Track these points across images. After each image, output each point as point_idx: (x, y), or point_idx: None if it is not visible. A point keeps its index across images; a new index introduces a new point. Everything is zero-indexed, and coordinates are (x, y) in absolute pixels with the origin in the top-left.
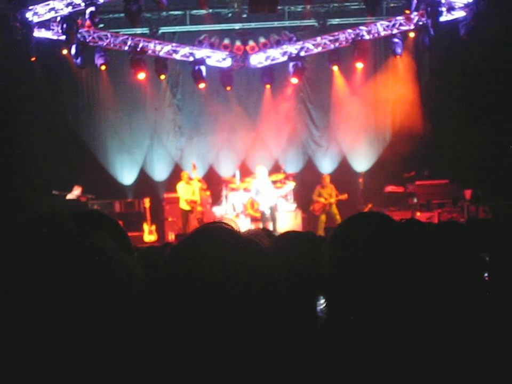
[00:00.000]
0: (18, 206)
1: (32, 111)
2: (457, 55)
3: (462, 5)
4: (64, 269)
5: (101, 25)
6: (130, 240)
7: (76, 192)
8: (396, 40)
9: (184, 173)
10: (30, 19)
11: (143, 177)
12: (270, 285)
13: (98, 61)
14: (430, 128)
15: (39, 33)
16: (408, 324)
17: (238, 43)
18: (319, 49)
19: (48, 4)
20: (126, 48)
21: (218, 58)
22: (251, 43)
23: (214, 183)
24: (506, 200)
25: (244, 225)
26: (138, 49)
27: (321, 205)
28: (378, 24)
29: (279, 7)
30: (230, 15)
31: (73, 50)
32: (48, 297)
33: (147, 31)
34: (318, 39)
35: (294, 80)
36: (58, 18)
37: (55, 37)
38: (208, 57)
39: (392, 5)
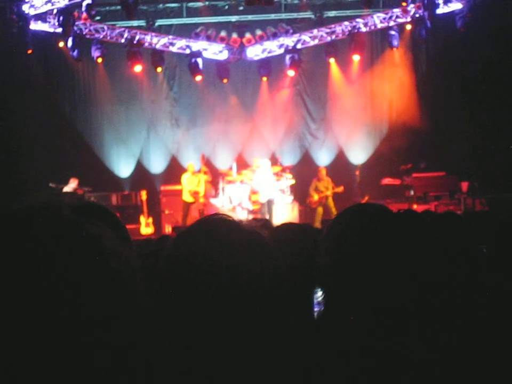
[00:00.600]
0: (14, 199)
1: (28, 103)
2: (453, 47)
3: None
4: (60, 257)
5: (98, 18)
6: (128, 231)
7: (72, 185)
8: (393, 32)
9: (190, 164)
10: (26, 12)
11: (140, 170)
12: (270, 275)
13: (95, 53)
14: (427, 121)
15: (35, 25)
16: (405, 316)
17: (234, 35)
18: (316, 41)
19: None
20: (123, 40)
21: (215, 51)
22: (248, 35)
23: (210, 176)
24: (503, 192)
25: (240, 217)
26: (135, 42)
27: (317, 198)
28: (375, 16)
29: (275, 0)
30: (226, 7)
31: (69, 43)
32: (43, 287)
33: (144, 24)
34: (315, 31)
35: (291, 73)
36: (55, 11)
37: (51, 30)
38: (205, 49)
39: None
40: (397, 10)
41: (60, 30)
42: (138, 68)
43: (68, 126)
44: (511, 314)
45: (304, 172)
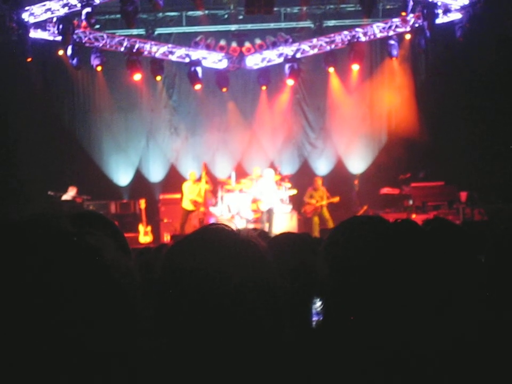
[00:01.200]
0: (13, 207)
1: (27, 111)
2: (453, 57)
3: (458, 7)
4: (61, 269)
5: (97, 26)
6: (126, 240)
7: (71, 193)
8: (392, 42)
9: (192, 172)
10: (26, 20)
11: (139, 178)
12: (266, 285)
13: (94, 61)
14: (426, 130)
15: (35, 33)
16: (405, 326)
17: (234, 44)
18: (315, 51)
19: (44, 5)
20: (122, 49)
21: (214, 60)
22: (247, 44)
23: (211, 185)
24: (502, 202)
25: (239, 226)
26: (134, 50)
27: (312, 207)
28: (374, 26)
29: (275, 9)
30: (226, 16)
31: (69, 51)
32: (45, 298)
33: (143, 32)
34: (314, 40)
35: (290, 82)
36: (55, 19)
37: (51, 38)
38: (204, 58)
39: (388, 7)
40: (396, 20)
41: (59, 38)
42: (137, 77)
43: (67, 134)
44: (510, 324)
45: (303, 181)
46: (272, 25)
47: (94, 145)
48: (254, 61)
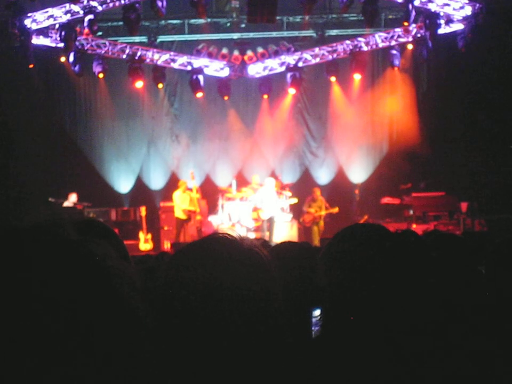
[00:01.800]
0: (15, 213)
1: (29, 118)
2: (455, 67)
3: (460, 18)
4: (65, 276)
5: (99, 33)
6: (127, 249)
7: (72, 200)
8: (394, 52)
9: (181, 181)
10: (28, 26)
11: (140, 186)
12: (268, 294)
13: (96, 69)
14: (427, 141)
15: (37, 40)
16: (404, 336)
17: (236, 53)
18: (317, 60)
19: (46, 11)
20: (124, 56)
21: (216, 68)
22: (249, 53)
23: (210, 192)
24: (502, 213)
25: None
26: (136, 58)
27: (311, 217)
28: (376, 35)
29: (277, 18)
30: (228, 24)
31: (71, 58)
32: (48, 306)
33: (145, 40)
34: (316, 50)
35: (292, 91)
36: (57, 26)
37: (53, 45)
38: (206, 66)
39: (390, 16)
40: (398, 30)
41: (61, 45)
42: (139, 84)
43: (68, 141)
44: (510, 334)
45: (303, 190)
46: (274, 34)
47: (95, 152)
48: (255, 70)
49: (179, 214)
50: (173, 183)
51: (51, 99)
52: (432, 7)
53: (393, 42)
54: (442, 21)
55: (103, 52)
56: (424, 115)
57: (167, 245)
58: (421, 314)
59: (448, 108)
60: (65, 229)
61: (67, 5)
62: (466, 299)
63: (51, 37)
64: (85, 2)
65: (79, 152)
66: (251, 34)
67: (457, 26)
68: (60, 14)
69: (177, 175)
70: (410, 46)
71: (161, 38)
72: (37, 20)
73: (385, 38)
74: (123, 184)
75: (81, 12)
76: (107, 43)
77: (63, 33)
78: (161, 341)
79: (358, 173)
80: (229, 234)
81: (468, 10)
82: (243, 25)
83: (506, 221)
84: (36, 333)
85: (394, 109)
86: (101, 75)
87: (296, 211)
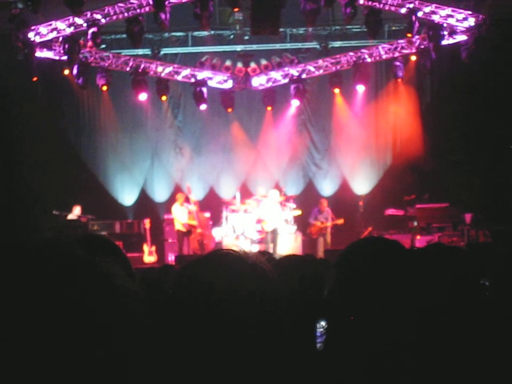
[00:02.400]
0: (19, 226)
1: (33, 130)
2: (458, 78)
3: (464, 29)
4: (73, 296)
5: (103, 46)
6: (131, 265)
7: (76, 212)
8: (398, 63)
9: (179, 195)
10: (32, 39)
11: (144, 198)
12: (272, 309)
13: (100, 81)
14: (431, 152)
15: (41, 53)
16: (409, 349)
17: (239, 65)
18: (321, 71)
19: (50, 24)
20: (128, 69)
21: (219, 80)
22: (253, 65)
23: (214, 205)
24: (506, 224)
25: (244, 247)
26: (140, 70)
27: (317, 228)
28: (380, 47)
29: (281, 29)
30: (232, 36)
31: (75, 71)
32: (57, 322)
33: (149, 52)
34: (320, 61)
35: (295, 103)
36: (60, 39)
37: (57, 57)
38: (210, 78)
39: (394, 28)
40: (402, 42)
41: (65, 57)
42: (143, 96)
43: (72, 153)
44: None
45: (307, 201)
46: (277, 46)
47: (99, 165)
48: (259, 82)
49: (179, 227)
50: (176, 195)
51: (55, 111)
52: (435, 18)
53: (396, 54)
54: (445, 32)
55: (106, 64)
56: (427, 126)
57: (171, 257)
58: (427, 330)
59: (451, 119)
60: (74, 247)
61: (70, 17)
62: (470, 313)
63: (55, 49)
64: (88, 15)
65: (83, 165)
66: (254, 46)
67: (461, 38)
68: (63, 27)
69: (181, 187)
70: (413, 58)
71: (165, 51)
72: (40, 32)
73: (389, 49)
74: (127, 196)
75: (85, 25)
76: (110, 56)
77: (66, 46)
78: (166, 354)
79: (362, 185)
80: (233, 250)
81: (471, 22)
82: (246, 37)
83: (510, 232)
84: (46, 348)
85: (398, 120)
86: (104, 87)
87: (300, 223)
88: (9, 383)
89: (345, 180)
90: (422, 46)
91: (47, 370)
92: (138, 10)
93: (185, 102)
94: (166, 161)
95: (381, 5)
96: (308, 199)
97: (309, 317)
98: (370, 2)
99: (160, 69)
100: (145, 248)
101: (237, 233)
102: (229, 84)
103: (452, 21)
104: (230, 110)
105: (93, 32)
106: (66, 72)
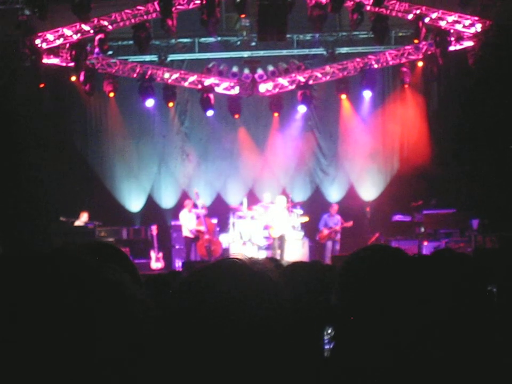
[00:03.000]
0: (26, 233)
1: (40, 137)
2: (465, 84)
3: (471, 35)
4: (80, 301)
5: (110, 52)
6: (138, 272)
7: (83, 219)
8: (404, 69)
9: (187, 201)
10: (39, 45)
11: (151, 204)
12: (278, 317)
13: (107, 88)
14: (438, 158)
15: (48, 60)
16: (416, 356)
17: (246, 71)
18: (328, 77)
19: (57, 31)
20: (135, 75)
21: (226, 86)
22: (259, 71)
23: (221, 211)
24: None
25: (250, 253)
26: (147, 77)
27: (326, 233)
28: (386, 53)
29: (287, 36)
30: (238, 43)
31: (81, 77)
32: (65, 329)
33: (156, 59)
34: (327, 67)
35: (302, 109)
36: (67, 45)
37: (64, 64)
38: (217, 85)
39: (400, 34)
40: (408, 48)
41: (72, 64)
42: (150, 103)
43: (79, 160)
44: None
45: (314, 208)
46: (284, 52)
47: (106, 171)
48: (266, 88)
49: (187, 233)
50: (183, 201)
51: (62, 118)
52: (442, 24)
53: (403, 60)
54: (452, 38)
55: (113, 70)
56: (434, 132)
57: (178, 264)
58: (433, 336)
59: (458, 124)
60: (83, 255)
61: (77, 24)
62: (477, 320)
63: (62, 56)
64: (95, 22)
65: (90, 171)
66: (261, 53)
67: (468, 44)
68: (70, 34)
69: (188, 193)
70: (420, 64)
71: (172, 57)
72: (47, 39)
73: (396, 55)
74: (134, 203)
75: (92, 31)
76: (117, 62)
77: (73, 52)
78: (171, 361)
79: (369, 191)
80: (238, 259)
81: (478, 28)
82: (253, 44)
83: None
84: (51, 355)
85: (405, 126)
86: (111, 94)
87: (308, 229)
88: None
89: (353, 185)
90: (429, 52)
91: (52, 376)
92: (145, 17)
93: (192, 108)
94: (173, 167)
95: (388, 11)
96: (315, 205)
97: (316, 323)
98: (377, 8)
99: (167, 75)
100: (152, 254)
101: (243, 240)
102: (235, 90)
103: (458, 26)
104: (237, 116)
105: (100, 39)
106: (73, 78)
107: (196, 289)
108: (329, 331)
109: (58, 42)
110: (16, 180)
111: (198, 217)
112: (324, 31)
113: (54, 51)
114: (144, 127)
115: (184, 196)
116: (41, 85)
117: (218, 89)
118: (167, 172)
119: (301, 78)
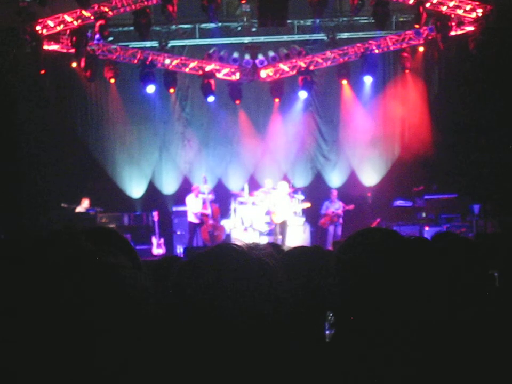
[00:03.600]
0: (28, 219)
1: (40, 123)
2: (466, 69)
3: (471, 20)
4: (80, 286)
5: (111, 39)
6: (139, 257)
7: (84, 205)
8: (405, 54)
9: (194, 185)
10: (39, 32)
11: (152, 190)
12: (275, 303)
13: (108, 74)
14: (439, 143)
15: (48, 46)
16: (416, 340)
17: (247, 57)
18: (328, 63)
19: (57, 17)
20: (136, 61)
21: (227, 72)
22: (260, 57)
23: (222, 196)
24: None
25: (252, 239)
26: (147, 63)
27: (328, 217)
28: (387, 38)
29: (288, 21)
30: (239, 28)
31: (82, 64)
32: (63, 315)
33: (156, 45)
34: (327, 53)
35: (303, 94)
36: (68, 32)
37: (64, 50)
38: (217, 70)
39: (401, 19)
40: (409, 33)
41: (72, 50)
42: (151, 89)
43: (80, 146)
44: None
45: (316, 193)
46: (285, 38)
47: (107, 157)
48: (267, 73)
49: (191, 218)
50: (185, 187)
51: (63, 104)
52: (443, 9)
53: (404, 45)
54: (453, 23)
55: (114, 57)
56: (435, 117)
57: (179, 250)
58: (432, 319)
59: (459, 109)
60: (81, 239)
61: (78, 10)
62: (478, 304)
63: (62, 42)
64: (96, 8)
65: (91, 158)
66: (262, 38)
67: (468, 28)
68: (70, 20)
69: (189, 179)
70: (421, 49)
71: (172, 43)
72: (48, 25)
73: (396, 40)
74: (135, 189)
75: (92, 18)
76: (118, 48)
77: (74, 38)
78: (173, 345)
79: (370, 176)
80: (236, 245)
81: (479, 12)
82: (254, 29)
83: None
84: (52, 337)
85: (406, 111)
86: (112, 80)
87: (309, 215)
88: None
89: (354, 171)
90: (430, 37)
91: (50, 362)
92: (145, 3)
93: (193, 94)
94: (174, 153)
95: None
96: (316, 191)
97: (317, 308)
98: None
99: (167, 61)
100: (154, 240)
101: (245, 225)
102: (236, 76)
103: (459, 11)
104: (237, 102)
105: (101, 25)
106: (74, 65)
107: (193, 275)
108: (330, 316)
109: (58, 28)
110: (17, 166)
111: (204, 202)
112: (324, 16)
113: (54, 37)
114: (145, 113)
115: (186, 182)
116: (42, 71)
117: (219, 75)
118: (168, 158)
119: (302, 64)
